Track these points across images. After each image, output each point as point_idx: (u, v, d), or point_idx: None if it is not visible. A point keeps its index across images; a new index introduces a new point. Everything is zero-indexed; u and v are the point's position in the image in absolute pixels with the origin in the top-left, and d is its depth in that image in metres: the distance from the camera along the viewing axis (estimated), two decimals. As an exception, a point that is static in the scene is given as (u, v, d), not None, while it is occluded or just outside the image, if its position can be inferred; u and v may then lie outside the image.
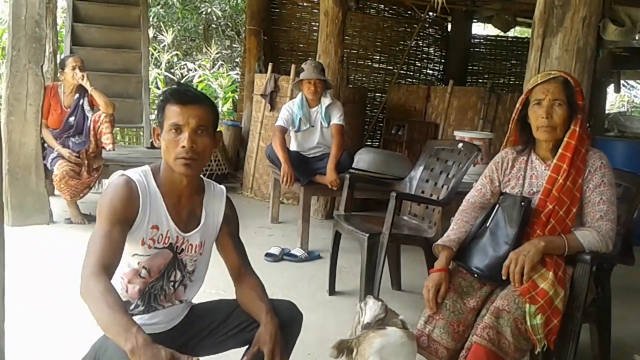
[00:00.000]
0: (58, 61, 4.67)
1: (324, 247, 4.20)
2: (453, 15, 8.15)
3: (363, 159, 4.98)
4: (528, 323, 1.92)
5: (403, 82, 8.02)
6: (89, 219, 4.42)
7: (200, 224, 1.76)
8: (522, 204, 2.10)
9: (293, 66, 5.62)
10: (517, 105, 2.23)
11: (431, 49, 8.45)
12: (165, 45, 10.37)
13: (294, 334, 1.82)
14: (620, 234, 2.29)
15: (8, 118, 4.23)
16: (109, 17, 6.32)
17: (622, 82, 8.84)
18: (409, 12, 8.11)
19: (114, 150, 4.59)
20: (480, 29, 10.67)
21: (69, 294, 2.52)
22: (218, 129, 1.78)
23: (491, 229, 2.18)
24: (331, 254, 3.44)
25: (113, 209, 1.58)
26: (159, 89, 9.37)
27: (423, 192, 3.44)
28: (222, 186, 1.86)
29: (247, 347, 1.76)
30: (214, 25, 11.16)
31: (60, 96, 4.46)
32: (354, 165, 4.64)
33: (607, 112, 8.12)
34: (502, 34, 8.25)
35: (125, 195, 1.60)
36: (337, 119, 4.39)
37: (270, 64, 6.04)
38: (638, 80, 11.99)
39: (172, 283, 1.74)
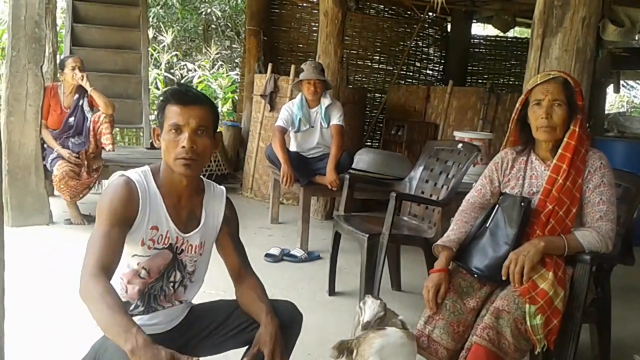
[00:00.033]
0: (58, 62, 4.68)
1: (324, 247, 4.20)
2: (453, 16, 8.15)
3: (363, 160, 4.98)
4: (528, 323, 1.92)
5: (403, 83, 8.02)
6: (89, 219, 4.42)
7: (200, 225, 1.76)
8: (522, 204, 2.10)
9: (293, 66, 5.62)
10: (517, 105, 2.23)
11: (431, 49, 8.46)
12: (165, 46, 10.37)
13: (294, 335, 1.82)
14: (620, 234, 2.29)
15: (8, 118, 4.23)
16: (108, 17, 6.32)
17: (621, 82, 8.84)
18: (409, 13, 8.11)
19: (113, 150, 4.59)
20: (479, 29, 10.68)
21: (69, 295, 2.51)
22: (218, 130, 1.78)
23: (491, 229, 2.18)
24: (331, 255, 3.43)
25: (113, 210, 1.58)
26: (158, 89, 9.38)
27: (423, 192, 3.44)
28: (222, 187, 1.86)
29: (247, 347, 1.76)
30: (213, 26, 11.17)
31: (60, 97, 4.46)
32: (353, 166, 4.64)
33: (606, 112, 8.13)
34: (501, 34, 8.26)
35: (125, 195, 1.60)
36: (336, 119, 4.39)
37: (270, 64, 6.04)
38: (637, 81, 11.99)
39: (171, 284, 1.74)
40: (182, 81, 9.94)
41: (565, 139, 2.10)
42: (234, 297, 1.84)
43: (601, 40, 5.64)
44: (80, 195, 4.42)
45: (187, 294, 1.81)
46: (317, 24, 6.32)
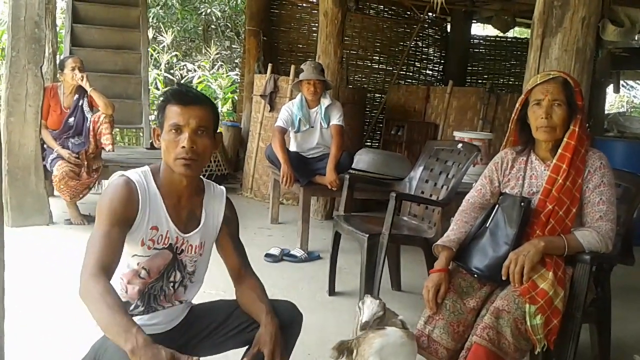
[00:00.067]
0: (57, 62, 4.68)
1: (324, 247, 4.20)
2: (452, 16, 8.15)
3: (363, 160, 4.98)
4: (528, 323, 1.92)
5: (402, 83, 8.02)
6: (89, 219, 4.42)
7: (200, 225, 1.76)
8: (522, 204, 2.10)
9: (292, 67, 5.62)
10: (517, 105, 2.23)
11: (430, 49, 8.46)
12: (164, 46, 10.37)
13: (294, 335, 1.82)
14: (620, 234, 2.29)
15: (7, 119, 4.23)
16: (108, 18, 6.32)
17: (621, 82, 8.84)
18: (409, 13, 8.11)
19: (113, 151, 4.59)
20: (479, 29, 10.68)
21: (69, 295, 2.51)
22: (218, 130, 1.78)
23: (491, 229, 2.18)
24: (331, 255, 3.44)
25: (112, 210, 1.58)
26: (158, 89, 9.38)
27: (423, 192, 3.44)
28: (222, 187, 1.86)
29: (247, 347, 1.76)
30: (213, 26, 11.17)
31: (60, 97, 4.46)
32: (353, 166, 4.64)
33: (606, 112, 8.13)
34: (501, 34, 8.26)
35: (125, 195, 1.60)
36: (336, 119, 4.40)
37: (269, 64, 6.04)
38: (637, 81, 11.99)
39: (171, 284, 1.74)
40: (182, 81, 9.94)
41: (565, 139, 2.10)
42: (234, 297, 1.84)
43: (601, 40, 5.64)
44: (80, 196, 4.42)
45: (187, 294, 1.81)
46: (316, 24, 6.33)
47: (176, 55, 10.64)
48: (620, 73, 7.79)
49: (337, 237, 3.41)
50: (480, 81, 8.45)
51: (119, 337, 1.35)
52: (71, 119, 4.45)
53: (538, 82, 2.14)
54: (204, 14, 10.68)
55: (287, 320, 1.76)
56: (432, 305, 2.08)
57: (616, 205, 2.12)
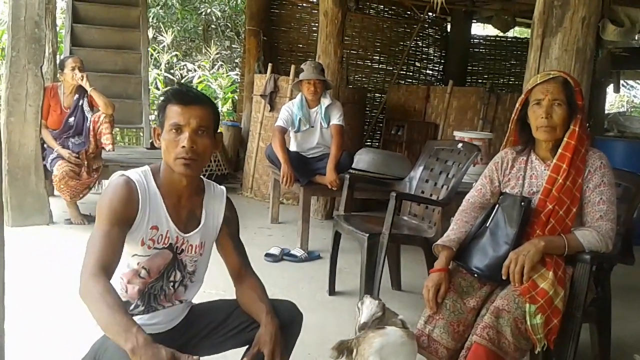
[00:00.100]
0: (57, 62, 4.67)
1: (324, 247, 4.20)
2: (452, 16, 8.15)
3: (363, 159, 4.98)
4: (528, 323, 1.92)
5: (403, 83, 8.02)
6: (89, 219, 4.42)
7: (200, 225, 1.76)
8: (522, 204, 2.10)
9: (293, 67, 5.62)
10: (517, 105, 2.23)
11: (431, 49, 8.46)
12: (164, 46, 10.37)
13: (294, 335, 1.82)
14: (620, 234, 2.29)
15: (8, 119, 4.23)
16: (108, 17, 6.32)
17: (621, 82, 8.84)
18: (409, 13, 8.11)
19: (113, 150, 4.59)
20: (479, 29, 10.68)
21: (69, 295, 2.51)
22: (218, 130, 1.78)
23: (491, 229, 2.18)
24: (331, 254, 3.44)
25: (112, 209, 1.58)
26: (158, 89, 9.38)
27: (423, 192, 3.44)
28: (222, 187, 1.86)
29: (247, 347, 1.76)
30: (213, 26, 11.17)
31: (60, 97, 4.46)
32: (353, 166, 4.64)
33: (606, 112, 8.13)
34: (501, 34, 8.26)
35: (125, 195, 1.60)
36: (336, 119, 4.40)
37: (269, 64, 6.04)
38: (637, 80, 12.00)
39: (172, 283, 1.74)
40: (182, 81, 9.95)
41: (565, 139, 2.10)
42: (234, 297, 1.84)
43: (601, 40, 5.64)
44: (80, 195, 4.42)
45: (187, 294, 1.81)
46: (317, 24, 6.32)
47: (176, 55, 10.64)
48: (620, 73, 7.79)
49: (337, 237, 3.41)
50: (480, 81, 8.45)
51: (119, 337, 1.35)
52: (71, 119, 4.45)
53: (538, 81, 2.14)
54: (204, 13, 10.68)
55: (287, 320, 1.76)
56: (432, 304, 2.08)
57: (616, 204, 2.12)
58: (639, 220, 2.37)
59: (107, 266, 1.51)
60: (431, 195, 3.35)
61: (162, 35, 10.44)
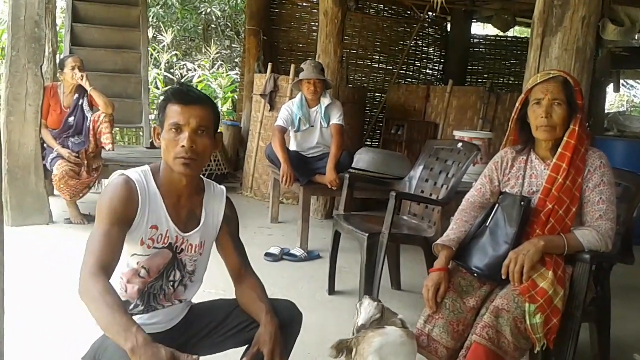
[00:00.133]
0: (57, 61, 4.67)
1: (324, 246, 4.20)
2: (452, 15, 8.15)
3: (362, 159, 4.98)
4: (527, 322, 1.92)
5: (402, 82, 8.02)
6: (89, 218, 4.42)
7: (200, 224, 1.76)
8: (522, 203, 2.10)
9: (292, 66, 5.62)
10: (517, 104, 2.23)
11: (430, 48, 8.45)
12: (164, 46, 10.36)
13: (294, 334, 1.82)
14: (620, 233, 2.29)
15: (7, 118, 4.23)
16: (108, 17, 6.32)
17: (621, 81, 8.84)
18: (409, 12, 8.11)
19: (113, 150, 4.59)
20: (479, 28, 10.68)
21: (69, 294, 2.51)
22: (218, 130, 1.78)
23: (491, 228, 2.18)
24: (331, 254, 3.44)
25: (112, 209, 1.58)
26: (158, 89, 9.37)
27: (422, 191, 3.44)
28: (222, 186, 1.86)
29: (246, 346, 1.76)
30: (213, 25, 11.16)
31: (60, 96, 4.46)
32: (353, 165, 4.64)
33: (606, 111, 8.12)
34: (501, 33, 8.25)
35: (125, 194, 1.60)
36: (336, 118, 4.39)
37: (269, 63, 6.04)
38: (637, 80, 11.99)
39: (171, 283, 1.74)
40: (182, 81, 9.94)
41: (565, 138, 2.10)
42: (234, 296, 1.84)
43: (601, 39, 5.64)
44: (80, 195, 4.42)
45: (186, 293, 1.81)
46: (316, 24, 6.32)
47: (176, 55, 10.63)
48: (620, 72, 7.79)
49: (336, 236, 3.41)
50: (480, 80, 8.45)
51: (118, 336, 1.35)
52: (71, 118, 4.45)
53: (538, 81, 2.14)
54: (203, 13, 10.67)
55: (287, 320, 1.76)
56: (431, 304, 2.08)
57: (616, 204, 2.12)
58: (639, 219, 2.37)
59: (106, 265, 1.51)
60: (431, 194, 3.35)
61: (162, 35, 10.43)
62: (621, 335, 2.90)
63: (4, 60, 4.50)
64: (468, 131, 5.05)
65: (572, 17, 2.87)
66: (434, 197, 3.30)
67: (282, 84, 5.71)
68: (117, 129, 7.33)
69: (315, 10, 6.96)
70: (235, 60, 10.99)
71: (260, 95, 5.85)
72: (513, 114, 2.26)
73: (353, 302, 2.87)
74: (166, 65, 10.20)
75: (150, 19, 9.31)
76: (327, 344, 1.94)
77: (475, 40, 8.67)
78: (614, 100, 13.27)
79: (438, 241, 2.25)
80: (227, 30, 11.29)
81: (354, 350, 1.86)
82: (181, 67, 10.66)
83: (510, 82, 8.46)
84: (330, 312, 3.13)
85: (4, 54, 5.34)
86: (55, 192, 4.54)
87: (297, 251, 4.07)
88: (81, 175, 4.35)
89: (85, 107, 4.48)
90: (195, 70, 10.49)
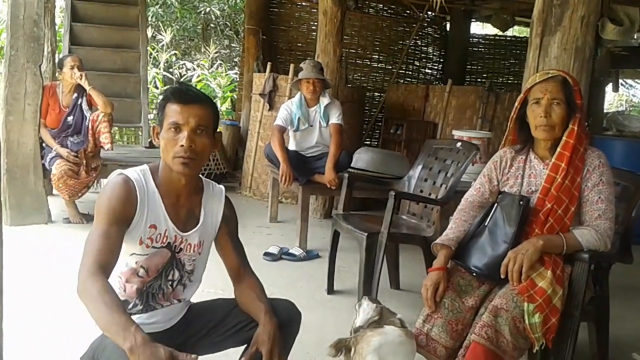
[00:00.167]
0: (56, 61, 4.67)
1: (323, 246, 4.20)
2: (452, 15, 8.15)
3: (362, 158, 4.98)
4: (526, 321, 1.92)
5: (402, 82, 8.03)
6: (88, 218, 4.41)
7: (199, 224, 1.76)
8: (521, 203, 2.11)
9: (292, 65, 5.62)
10: (516, 104, 2.23)
11: (430, 48, 8.46)
12: (163, 45, 10.36)
13: (293, 334, 1.82)
14: (619, 233, 2.29)
15: (6, 117, 4.22)
16: (107, 16, 6.32)
17: (620, 81, 8.84)
18: (408, 12, 8.11)
19: (112, 149, 4.59)
20: (478, 28, 10.68)
21: (68, 294, 2.51)
22: (218, 130, 1.78)
23: (490, 228, 2.18)
24: (330, 253, 3.44)
25: (111, 208, 1.58)
26: (157, 88, 9.37)
27: (422, 191, 3.44)
28: (221, 186, 1.86)
29: (245, 346, 1.76)
30: (212, 25, 11.16)
31: (59, 96, 4.46)
32: (352, 165, 4.64)
33: (605, 111, 8.13)
34: (500, 33, 8.26)
35: (123, 194, 1.60)
36: (335, 118, 4.39)
37: (269, 63, 6.04)
38: (636, 80, 12.00)
39: (170, 282, 1.74)
40: (181, 80, 9.94)
41: (564, 138, 2.10)
42: (233, 296, 1.84)
43: (600, 39, 5.63)
44: (79, 194, 4.42)
45: (185, 293, 1.81)
46: (316, 23, 6.32)
47: (175, 54, 10.63)
48: (619, 72, 7.79)
49: (336, 236, 3.41)
50: (479, 80, 8.46)
51: (117, 336, 1.35)
52: (70, 118, 4.45)
53: (537, 80, 2.14)
54: (203, 12, 10.67)
55: (286, 319, 1.76)
56: (430, 303, 2.08)
57: (615, 203, 2.12)
58: (638, 219, 2.37)
59: (105, 265, 1.50)
60: (430, 194, 3.36)
61: (161, 34, 10.43)
62: (620, 334, 2.90)
63: (3, 59, 4.49)
64: (467, 131, 5.05)
65: (571, 16, 2.87)
66: (433, 196, 3.30)
67: (282, 84, 5.70)
68: (116, 128, 7.32)
69: (315, 10, 6.96)
70: (235, 59, 10.99)
71: (260, 94, 5.85)
72: (512, 114, 2.26)
73: (352, 302, 2.87)
74: (165, 64, 10.20)
75: (149, 19, 9.31)
76: (326, 344, 1.94)
77: (474, 39, 8.68)
78: (613, 99, 13.28)
79: (437, 241, 2.25)
80: (227, 29, 11.29)
81: (353, 349, 1.86)
82: (180, 66, 10.66)
83: (510, 81, 8.47)
84: (329, 312, 3.13)
85: (2, 53, 5.34)
86: (54, 191, 4.54)
87: (296, 251, 4.07)
88: (80, 175, 4.35)
89: (84, 106, 4.47)
90: (194, 69, 10.49)
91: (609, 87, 8.14)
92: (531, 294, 1.94)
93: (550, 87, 2.09)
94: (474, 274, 2.14)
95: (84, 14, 6.23)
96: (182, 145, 1.61)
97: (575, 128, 2.09)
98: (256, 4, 7.37)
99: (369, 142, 7.55)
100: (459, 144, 3.43)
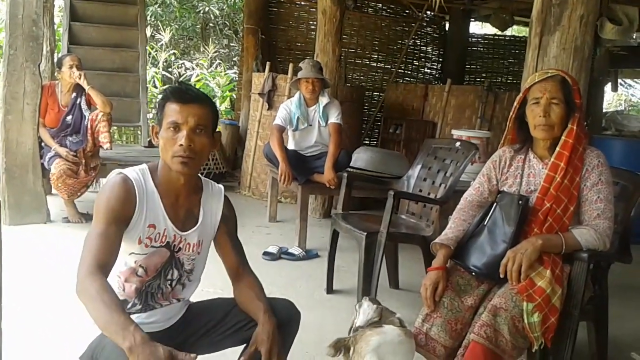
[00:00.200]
0: (55, 60, 4.67)
1: (322, 245, 4.19)
2: (451, 14, 8.15)
3: (361, 158, 4.98)
4: (525, 321, 1.93)
5: (401, 81, 8.03)
6: (87, 217, 4.41)
7: (198, 223, 1.75)
8: (520, 202, 2.11)
9: (291, 65, 5.62)
10: (515, 103, 2.23)
11: (429, 47, 8.46)
12: (162, 44, 10.36)
13: (292, 333, 1.82)
14: (618, 232, 2.29)
15: (5, 117, 4.22)
16: (106, 16, 6.32)
17: (619, 80, 8.85)
18: (407, 11, 8.12)
19: (111, 149, 4.58)
20: (477, 27, 10.69)
21: (67, 293, 2.51)
22: (217, 129, 1.78)
23: (489, 227, 2.18)
24: (329, 253, 3.44)
25: (110, 208, 1.57)
26: (156, 88, 9.37)
27: (421, 190, 3.44)
28: (220, 185, 1.86)
29: (244, 346, 1.76)
30: (211, 24, 11.15)
31: (58, 95, 4.45)
32: (351, 164, 4.64)
33: (604, 110, 8.14)
34: (499, 32, 8.26)
35: (122, 193, 1.60)
36: (334, 117, 4.39)
37: (268, 62, 6.04)
38: (635, 79, 12.01)
39: (169, 282, 1.74)
40: (180, 79, 9.94)
41: (563, 137, 2.10)
42: (232, 296, 1.84)
43: (599, 38, 5.62)
44: (78, 194, 4.41)
45: (184, 292, 1.81)
46: (315, 23, 6.32)
47: (174, 54, 10.63)
48: (618, 71, 7.80)
49: (335, 235, 3.41)
50: (478, 79, 8.47)
51: (116, 335, 1.35)
52: (69, 117, 4.45)
53: (536, 80, 2.14)
54: (202, 12, 10.67)
55: (285, 319, 1.76)
56: (429, 303, 2.08)
57: (614, 203, 2.12)
58: (637, 218, 2.37)
59: (104, 264, 1.50)
60: (429, 193, 3.36)
61: (160, 34, 10.43)
62: (619, 334, 2.91)
63: (1, 58, 4.49)
64: (466, 130, 5.05)
65: (570, 16, 2.88)
66: (432, 196, 3.30)
67: (281, 83, 5.70)
68: (115, 127, 7.32)
69: (314, 9, 6.95)
70: (234, 59, 10.99)
71: (259, 94, 5.85)
72: (511, 113, 2.26)
73: (351, 301, 2.88)
74: (164, 64, 10.20)
75: (148, 18, 9.31)
76: (325, 343, 1.94)
77: (473, 39, 8.68)
78: (612, 99, 13.29)
79: (436, 240, 2.25)
80: (226, 29, 11.29)
81: (352, 349, 1.86)
82: (179, 66, 10.66)
83: (509, 81, 8.48)
84: (329, 311, 3.13)
85: (1, 52, 5.33)
86: (53, 191, 4.53)
87: (296, 250, 4.07)
88: (79, 174, 4.34)
89: (83, 106, 4.47)
90: (193, 69, 10.49)
91: (608, 87, 8.14)
92: (530, 294, 1.94)
93: (549, 87, 2.10)
94: (473, 274, 2.15)
95: (83, 13, 6.23)
96: (181, 145, 1.61)
97: (574, 127, 2.09)
98: (255, 4, 7.37)
99: (368, 142, 7.55)
100: (458, 143, 3.43)
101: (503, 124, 4.63)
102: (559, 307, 1.97)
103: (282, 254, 4.04)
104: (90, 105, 4.48)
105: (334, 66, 5.37)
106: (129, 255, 1.65)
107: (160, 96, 1.73)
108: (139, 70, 6.27)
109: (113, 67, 6.15)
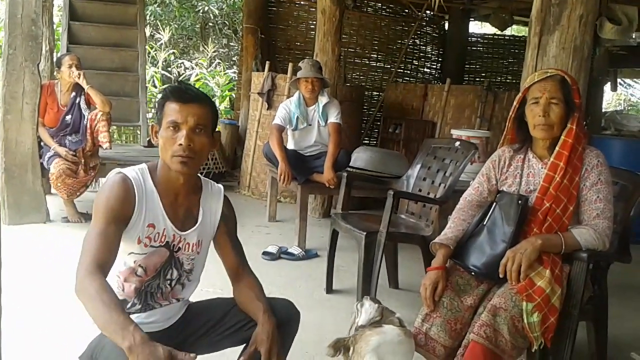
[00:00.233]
0: (54, 59, 4.66)
1: (322, 245, 4.19)
2: (450, 14, 8.15)
3: (360, 158, 4.98)
4: (525, 321, 1.93)
5: (400, 81, 8.03)
6: (86, 217, 4.41)
7: (198, 223, 1.75)
8: (519, 202, 2.11)
9: (290, 64, 5.61)
10: (514, 103, 2.23)
11: (428, 47, 8.46)
12: (162, 44, 10.35)
13: (292, 333, 1.82)
14: (617, 232, 2.29)
15: (4, 116, 4.22)
16: (105, 15, 6.32)
17: (618, 80, 8.86)
18: (407, 11, 8.12)
19: (110, 148, 4.58)
20: (477, 27, 10.69)
21: (66, 293, 2.51)
22: (217, 129, 1.78)
23: (488, 227, 2.18)
24: (328, 253, 3.44)
25: (109, 207, 1.57)
26: (155, 87, 9.37)
27: (420, 190, 3.44)
28: (219, 185, 1.86)
29: (244, 345, 1.76)
30: (211, 24, 11.15)
31: (57, 94, 4.45)
32: (351, 164, 4.64)
33: (604, 110, 8.15)
34: (499, 32, 8.27)
35: (121, 193, 1.60)
36: (334, 117, 4.39)
37: (267, 62, 6.03)
38: (635, 79, 12.01)
39: (168, 281, 1.74)
40: (179, 79, 9.94)
41: (562, 137, 2.10)
42: (232, 295, 1.83)
43: (598, 38, 5.63)
44: (77, 193, 4.41)
45: (184, 292, 1.80)
46: (314, 22, 6.32)
47: (174, 53, 10.62)
48: (617, 71, 7.81)
49: (334, 235, 3.41)
50: (477, 79, 8.47)
51: (116, 335, 1.35)
52: (68, 117, 4.45)
53: (536, 80, 2.14)
54: (201, 11, 10.66)
55: (285, 319, 1.76)
56: (429, 302, 2.08)
57: (613, 203, 2.12)
58: (636, 218, 2.37)
59: (103, 264, 1.50)
60: (429, 193, 3.35)
61: (159, 33, 10.42)
62: (618, 334, 2.91)
63: (0, 58, 4.48)
64: (466, 130, 5.06)
65: (569, 15, 2.88)
66: (431, 195, 3.30)
67: (280, 83, 5.70)
68: (115, 127, 7.32)
69: (313, 9, 6.95)
70: (233, 58, 10.99)
71: (258, 93, 5.84)
72: (511, 113, 2.26)
73: (351, 301, 2.87)
74: (164, 63, 10.19)
75: (147, 17, 9.31)
76: (324, 343, 1.94)
77: (473, 39, 8.68)
78: (611, 99, 13.29)
79: (436, 240, 2.25)
80: (225, 28, 11.28)
81: (352, 349, 1.86)
82: (179, 65, 10.66)
83: (508, 80, 8.48)
84: (328, 311, 3.13)
85: (1, 52, 5.33)
86: (53, 190, 4.53)
87: (295, 250, 4.07)
88: (78, 174, 4.34)
89: (83, 105, 4.47)
90: (192, 68, 10.49)
91: (607, 87, 8.15)
92: (530, 293, 1.94)
93: (548, 87, 2.10)
94: (473, 273, 2.15)
95: (82, 12, 6.23)
96: (181, 144, 1.61)
97: (574, 127, 2.09)
98: (255, 3, 7.36)
99: (367, 141, 7.55)
100: (457, 143, 3.43)
101: (502, 124, 4.64)
102: (559, 307, 1.97)
103: (281, 254, 4.04)
104: (89, 104, 4.48)
105: (334, 66, 5.37)
106: (129, 255, 1.65)
107: (159, 96, 1.73)
108: (138, 70, 6.27)
109: (112, 67, 6.15)
